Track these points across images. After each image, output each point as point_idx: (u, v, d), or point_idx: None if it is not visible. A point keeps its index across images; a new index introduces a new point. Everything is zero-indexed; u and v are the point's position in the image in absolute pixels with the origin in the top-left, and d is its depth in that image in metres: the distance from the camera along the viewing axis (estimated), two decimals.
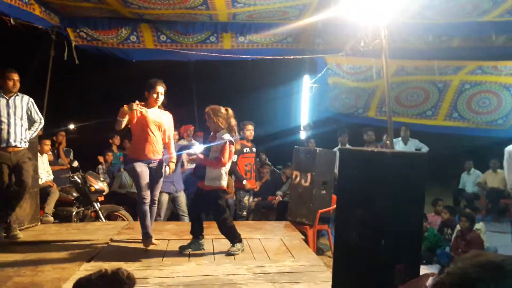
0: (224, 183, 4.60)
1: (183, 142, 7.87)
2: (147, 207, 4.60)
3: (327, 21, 6.29)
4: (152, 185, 4.67)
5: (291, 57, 7.21)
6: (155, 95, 4.65)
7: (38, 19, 5.99)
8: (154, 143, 4.63)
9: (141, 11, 6.28)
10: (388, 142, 5.35)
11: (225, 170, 4.59)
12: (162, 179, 4.84)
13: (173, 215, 6.96)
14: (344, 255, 3.00)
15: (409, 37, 6.69)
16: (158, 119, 4.69)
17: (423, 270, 2.96)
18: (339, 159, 3.12)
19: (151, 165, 4.66)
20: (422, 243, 4.51)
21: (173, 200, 6.75)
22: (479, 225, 6.03)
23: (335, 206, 5.75)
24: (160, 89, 4.68)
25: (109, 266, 3.82)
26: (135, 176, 4.57)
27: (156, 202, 4.85)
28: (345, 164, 3.08)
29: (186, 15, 6.46)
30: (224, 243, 4.73)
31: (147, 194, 4.58)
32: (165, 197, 6.51)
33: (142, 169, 4.55)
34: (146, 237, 4.65)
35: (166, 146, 4.88)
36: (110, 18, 6.65)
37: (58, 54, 7.00)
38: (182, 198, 6.72)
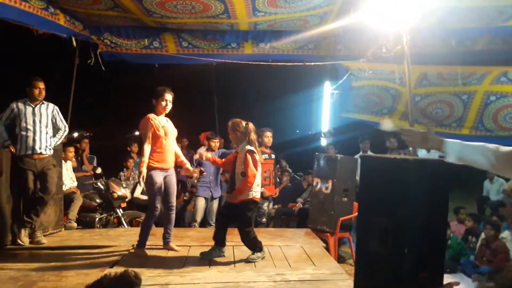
0: (255, 194, 4.58)
1: (202, 149, 7.91)
2: (153, 220, 4.70)
3: (348, 28, 6.26)
4: (169, 193, 4.77)
5: (312, 63, 7.19)
6: (163, 103, 4.68)
7: (63, 29, 6.12)
8: (171, 152, 4.75)
9: (163, 20, 6.37)
10: (411, 148, 5.27)
11: (257, 181, 4.58)
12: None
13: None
14: (366, 264, 2.96)
15: (431, 42, 6.60)
16: (171, 128, 4.80)
17: (447, 279, 2.91)
18: (360, 166, 3.08)
19: (168, 173, 4.73)
20: (446, 251, 4.43)
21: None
22: (505, 234, 5.89)
23: (356, 213, 5.71)
24: (169, 96, 4.71)
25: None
26: (152, 185, 4.57)
27: (174, 209, 4.89)
28: (367, 171, 3.05)
29: (207, 24, 6.53)
30: (244, 250, 4.72)
31: (159, 204, 4.64)
32: (202, 202, 6.46)
33: (160, 179, 4.61)
34: (141, 246, 4.69)
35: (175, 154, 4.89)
36: (134, 27, 6.76)
37: (82, 62, 7.13)
38: (215, 205, 6.62)
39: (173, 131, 4.80)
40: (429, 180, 2.77)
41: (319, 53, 7.33)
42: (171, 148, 4.76)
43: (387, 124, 2.92)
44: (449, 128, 8.27)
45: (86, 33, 6.69)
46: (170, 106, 4.74)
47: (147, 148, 4.54)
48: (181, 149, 6.56)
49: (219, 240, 4.66)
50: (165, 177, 4.69)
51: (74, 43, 6.69)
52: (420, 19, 5.37)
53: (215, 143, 6.67)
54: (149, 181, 4.57)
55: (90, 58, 7.02)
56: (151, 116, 4.61)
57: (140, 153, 9.01)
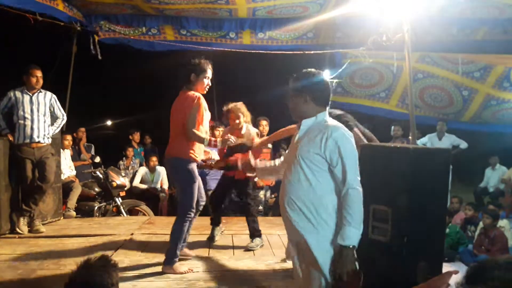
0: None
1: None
2: (188, 225, 3.88)
3: (347, 16, 6.22)
4: (202, 193, 4.06)
5: (312, 52, 7.14)
6: (206, 80, 3.87)
7: (61, 14, 6.08)
8: None
9: (161, 6, 6.31)
10: (410, 137, 5.26)
11: None
12: None
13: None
14: (365, 252, 2.96)
15: (432, 30, 6.55)
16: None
17: (446, 267, 2.91)
18: (360, 155, 3.07)
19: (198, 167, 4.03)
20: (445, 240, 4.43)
21: None
22: (503, 223, 5.89)
23: None
24: (211, 73, 3.91)
25: (130, 260, 3.87)
26: (192, 182, 3.76)
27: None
28: (366, 159, 3.04)
29: (206, 10, 6.46)
30: (244, 239, 4.73)
31: (194, 206, 3.84)
32: None
33: (197, 175, 3.87)
34: (173, 261, 3.75)
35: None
36: (132, 14, 6.71)
37: (79, 50, 7.09)
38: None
39: (208, 119, 3.98)
40: (428, 169, 2.77)
41: (318, 42, 7.28)
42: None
43: None
44: (447, 117, 8.25)
45: (84, 20, 6.65)
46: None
47: (198, 132, 3.71)
48: None
49: (217, 222, 4.88)
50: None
51: (78, 28, 6.66)
52: (421, 7, 5.34)
53: (219, 131, 6.58)
54: (188, 176, 3.74)
55: (89, 45, 6.97)
56: (199, 95, 3.77)
57: (143, 142, 9.03)
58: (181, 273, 3.70)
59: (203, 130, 3.82)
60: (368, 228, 2.88)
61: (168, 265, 3.73)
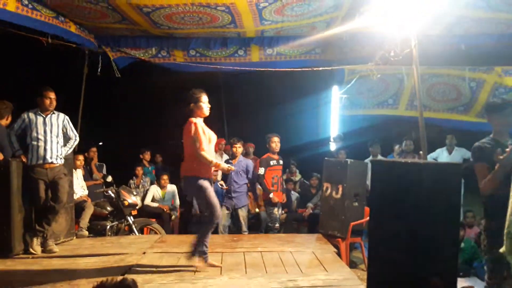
0: None
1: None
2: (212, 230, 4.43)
3: (355, 32, 6.27)
4: None
5: (320, 68, 7.18)
6: (204, 106, 4.42)
7: (73, 35, 6.21)
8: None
9: (170, 31, 6.43)
10: (421, 152, 5.23)
11: None
12: None
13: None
14: (379, 269, 2.94)
15: (440, 46, 6.57)
16: (212, 133, 4.53)
17: (460, 283, 2.88)
18: (371, 170, 3.07)
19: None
20: (459, 255, 4.38)
21: (232, 216, 6.53)
22: None
23: (367, 218, 5.67)
24: (206, 98, 4.45)
25: (142, 279, 3.88)
26: (208, 194, 4.29)
27: None
28: (378, 175, 3.04)
29: (215, 33, 6.58)
30: (255, 256, 4.72)
31: (220, 212, 4.40)
32: (224, 212, 6.29)
33: (209, 186, 4.37)
34: (200, 253, 4.38)
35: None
36: (141, 36, 6.83)
37: (91, 71, 7.22)
38: (241, 214, 6.40)
39: (214, 138, 4.53)
40: (441, 184, 2.75)
41: (326, 57, 7.32)
42: (213, 155, 4.54)
43: None
44: (457, 111, 8.13)
45: (95, 42, 6.79)
46: (208, 108, 4.48)
47: (204, 153, 4.25)
48: None
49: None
50: None
51: (89, 50, 6.80)
52: (428, 25, 5.38)
53: (237, 148, 6.48)
54: (203, 189, 4.28)
55: (100, 67, 7.10)
56: (195, 120, 4.35)
57: (153, 161, 9.10)
58: (211, 265, 4.37)
59: (208, 149, 4.36)
60: (380, 245, 2.87)
61: (194, 256, 4.37)
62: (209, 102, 4.51)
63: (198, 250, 4.36)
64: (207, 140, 4.37)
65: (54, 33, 5.89)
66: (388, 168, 3.03)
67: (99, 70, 7.13)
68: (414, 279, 2.73)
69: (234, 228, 6.60)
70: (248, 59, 7.32)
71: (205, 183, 4.31)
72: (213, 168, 4.47)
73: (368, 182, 6.13)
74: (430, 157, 7.80)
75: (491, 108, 3.74)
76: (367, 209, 5.75)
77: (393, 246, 2.81)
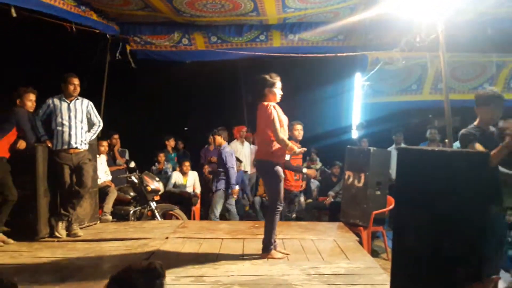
0: None
1: (236, 143, 8.00)
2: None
3: (378, 17, 6.14)
4: None
5: (344, 54, 7.08)
6: (277, 91, 4.37)
7: (96, 23, 6.26)
8: None
9: (192, 18, 6.42)
10: (447, 140, 5.13)
11: None
12: None
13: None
14: (403, 259, 2.90)
15: (466, 31, 6.40)
16: (285, 118, 4.49)
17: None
18: (397, 159, 3.01)
19: None
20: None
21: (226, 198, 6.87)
22: None
23: (390, 207, 5.61)
24: (280, 84, 4.39)
25: (165, 264, 3.92)
26: (277, 179, 4.32)
27: None
28: (403, 163, 2.98)
29: (236, 22, 6.53)
30: (277, 243, 4.71)
31: (282, 200, 4.41)
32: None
33: (282, 173, 4.39)
34: (269, 249, 4.38)
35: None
36: (163, 23, 6.83)
37: (114, 58, 7.27)
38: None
39: (286, 121, 4.46)
40: (467, 173, 2.68)
41: (349, 43, 7.22)
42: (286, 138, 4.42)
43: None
44: (481, 88, 7.96)
45: (117, 28, 6.82)
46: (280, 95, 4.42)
47: (282, 136, 4.23)
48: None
49: None
50: None
51: (111, 37, 6.85)
52: (455, 8, 5.23)
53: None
54: (274, 175, 4.31)
55: (122, 54, 7.15)
56: (272, 104, 4.30)
57: (176, 148, 9.16)
58: (278, 259, 4.28)
59: (284, 132, 4.34)
60: (405, 235, 2.83)
61: (265, 252, 4.35)
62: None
63: (271, 243, 4.37)
64: (285, 123, 4.40)
65: (76, 21, 5.95)
66: (416, 156, 2.97)
67: (117, 54, 7.17)
68: (440, 270, 2.68)
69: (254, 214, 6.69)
70: (270, 44, 7.26)
71: (280, 171, 4.32)
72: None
73: (391, 171, 6.06)
74: (455, 146, 7.64)
75: (480, 100, 3.78)
76: (389, 198, 5.69)
77: (419, 236, 2.76)
